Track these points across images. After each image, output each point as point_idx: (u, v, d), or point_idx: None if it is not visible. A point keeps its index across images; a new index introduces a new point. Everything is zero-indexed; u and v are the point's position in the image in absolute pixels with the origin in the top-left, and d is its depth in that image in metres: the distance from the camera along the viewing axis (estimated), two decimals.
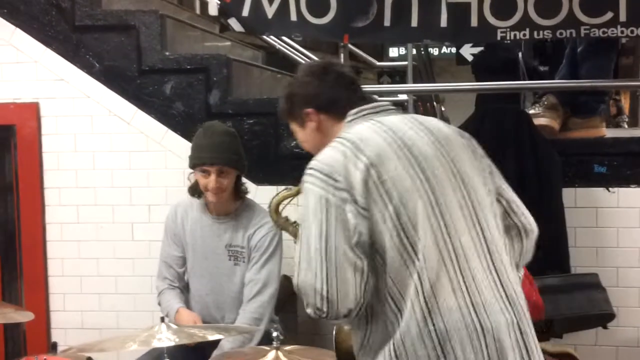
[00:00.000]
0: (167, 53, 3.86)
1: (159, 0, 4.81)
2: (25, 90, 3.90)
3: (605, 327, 3.29)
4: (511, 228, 2.06)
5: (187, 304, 3.24)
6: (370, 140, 1.94)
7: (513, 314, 1.89)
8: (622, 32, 3.45)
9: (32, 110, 3.87)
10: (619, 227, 3.50)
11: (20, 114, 3.90)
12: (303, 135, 2.22)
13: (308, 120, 2.16)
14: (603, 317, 3.23)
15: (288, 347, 2.56)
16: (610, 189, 3.50)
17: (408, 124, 2.01)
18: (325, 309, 1.85)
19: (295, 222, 2.77)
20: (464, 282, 1.85)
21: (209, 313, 3.20)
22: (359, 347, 1.97)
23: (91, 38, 3.86)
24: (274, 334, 2.55)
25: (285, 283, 3.39)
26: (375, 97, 3.27)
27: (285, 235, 3.26)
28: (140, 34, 3.83)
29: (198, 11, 5.70)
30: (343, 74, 2.21)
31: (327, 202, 1.86)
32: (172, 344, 2.34)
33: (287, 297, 3.47)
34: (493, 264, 1.92)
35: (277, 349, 2.52)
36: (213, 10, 4.23)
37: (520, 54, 4.41)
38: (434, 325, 1.81)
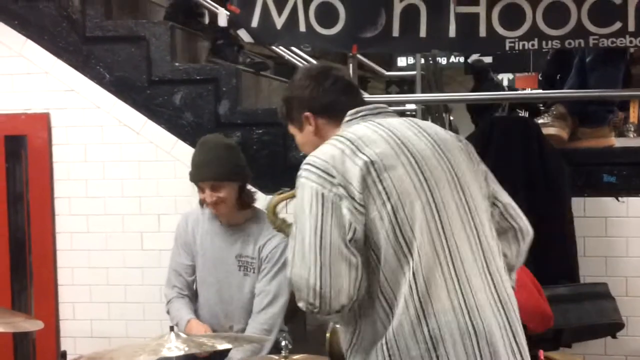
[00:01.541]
0: (176, 64, 3.88)
1: None
2: (36, 101, 3.92)
3: (614, 337, 3.28)
4: (508, 230, 2.08)
5: (196, 313, 3.24)
6: (370, 139, 1.93)
7: (505, 317, 1.90)
8: (630, 42, 3.45)
9: (43, 120, 3.90)
10: (629, 237, 3.50)
11: (31, 124, 3.92)
12: (301, 138, 2.21)
13: (307, 123, 2.16)
14: (612, 327, 3.23)
15: (296, 357, 2.56)
16: (619, 198, 3.50)
17: (407, 126, 2.02)
18: (317, 304, 1.84)
19: (292, 224, 2.75)
20: (459, 283, 1.85)
21: (218, 322, 3.20)
22: (348, 345, 1.96)
23: (101, 49, 3.88)
24: (283, 343, 2.56)
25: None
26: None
27: None
28: (150, 44, 3.85)
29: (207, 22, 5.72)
30: (341, 78, 2.20)
31: (322, 197, 1.85)
32: (181, 353, 2.34)
33: (296, 307, 3.46)
34: (487, 266, 1.92)
35: (286, 358, 2.53)
36: (222, 21, 4.24)
37: None
38: (427, 325, 1.81)
